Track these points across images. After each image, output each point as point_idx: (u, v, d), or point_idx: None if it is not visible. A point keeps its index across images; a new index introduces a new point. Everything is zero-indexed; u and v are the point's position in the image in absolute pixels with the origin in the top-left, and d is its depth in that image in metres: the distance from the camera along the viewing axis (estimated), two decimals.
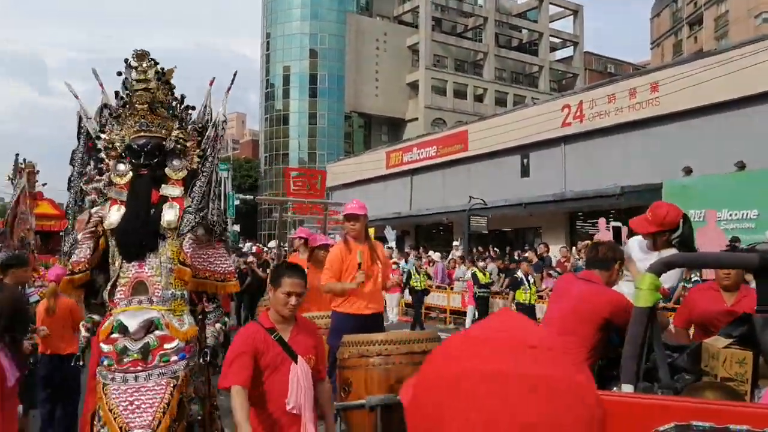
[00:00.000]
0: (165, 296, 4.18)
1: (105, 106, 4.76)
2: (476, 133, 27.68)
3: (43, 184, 10.56)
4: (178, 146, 4.44)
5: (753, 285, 4.96)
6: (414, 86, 57.79)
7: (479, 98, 59.03)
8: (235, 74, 4.63)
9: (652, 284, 3.62)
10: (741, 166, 18.17)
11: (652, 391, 3.47)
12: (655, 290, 3.65)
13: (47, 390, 6.08)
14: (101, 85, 4.74)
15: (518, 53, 63.47)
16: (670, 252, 4.34)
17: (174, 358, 4.07)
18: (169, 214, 4.28)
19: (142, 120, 4.37)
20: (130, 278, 4.18)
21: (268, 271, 19.62)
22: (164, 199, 4.35)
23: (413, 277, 15.41)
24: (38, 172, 9.62)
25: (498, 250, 20.54)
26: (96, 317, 4.44)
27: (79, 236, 4.50)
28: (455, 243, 22.26)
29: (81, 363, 4.47)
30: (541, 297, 14.34)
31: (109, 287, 4.27)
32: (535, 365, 1.30)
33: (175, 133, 4.43)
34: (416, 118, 55.96)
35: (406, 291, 15.99)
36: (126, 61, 4.37)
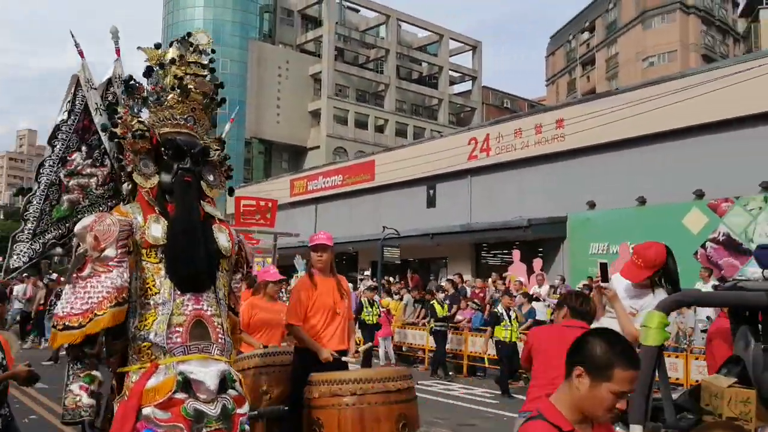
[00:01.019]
0: (227, 344, 3.23)
1: (114, 79, 3.79)
2: (384, 165, 27.61)
3: None
4: (217, 158, 3.76)
5: None
6: (316, 114, 57.57)
7: (380, 129, 59.45)
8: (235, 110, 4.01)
9: (660, 323, 3.41)
10: (642, 201, 18.86)
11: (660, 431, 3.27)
12: (664, 329, 3.44)
13: None
14: (117, 50, 3.74)
15: (418, 86, 64.55)
16: (661, 291, 4.22)
17: (247, 428, 3.15)
18: (221, 239, 3.44)
19: (191, 114, 3.54)
20: (188, 316, 3.15)
21: None
22: (209, 218, 3.49)
23: (365, 309, 14.05)
24: None
25: (421, 280, 20.42)
26: (97, 374, 3.23)
27: (95, 255, 3.09)
28: (367, 273, 21.91)
29: None
30: (457, 329, 14.11)
31: (148, 325, 3.11)
32: None
33: (212, 142, 3.73)
34: (318, 147, 55.66)
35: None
36: (184, 37, 3.58)
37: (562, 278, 16.22)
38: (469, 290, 16.49)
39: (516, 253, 16.68)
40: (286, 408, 4.79)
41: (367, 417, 4.08)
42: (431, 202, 25.70)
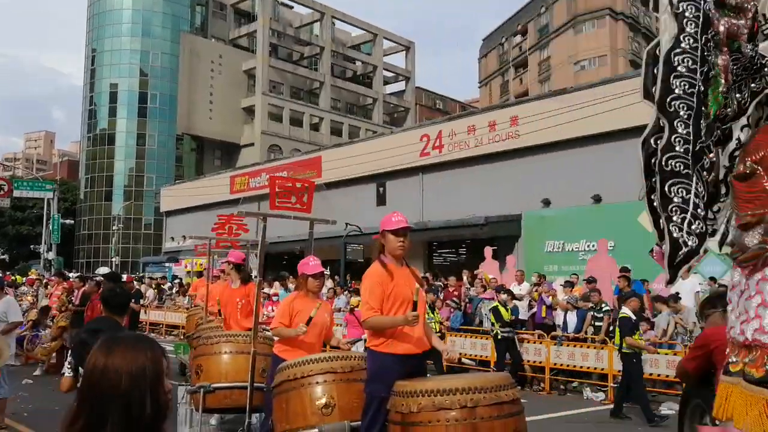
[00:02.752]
0: None
1: None
2: (331, 162, 27.07)
3: None
4: None
5: None
6: (250, 111, 56.34)
7: (315, 127, 58.73)
8: None
9: None
10: (597, 199, 19.03)
11: None
12: None
13: None
14: None
15: (353, 84, 64.12)
16: None
17: None
18: None
19: None
20: None
21: (141, 302, 17.77)
22: None
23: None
24: None
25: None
26: None
27: None
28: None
29: None
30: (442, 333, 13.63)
31: None
32: None
33: None
34: (252, 144, 54.48)
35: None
36: None
37: (539, 276, 16.14)
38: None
39: (488, 251, 16.53)
40: (353, 424, 4.28)
41: None
42: (381, 200, 25.35)
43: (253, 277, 7.68)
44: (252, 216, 6.10)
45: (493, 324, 12.02)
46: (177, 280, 25.12)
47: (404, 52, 67.70)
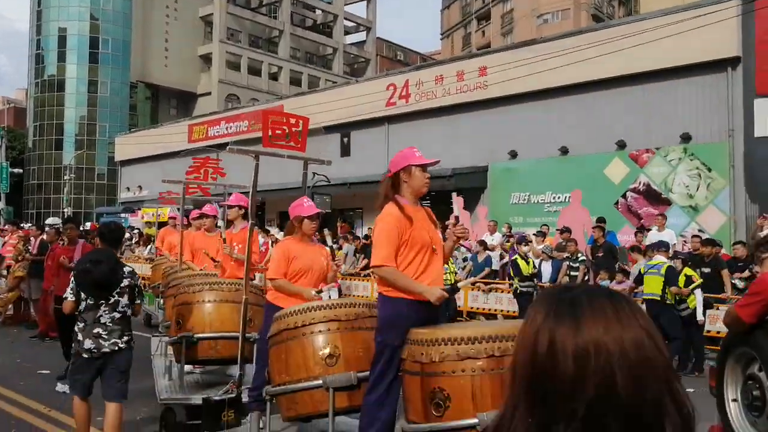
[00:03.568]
0: None
1: None
2: (293, 111, 26.34)
3: None
4: None
5: None
6: (207, 59, 54.77)
7: (274, 76, 57.48)
8: None
9: None
10: (564, 151, 18.97)
11: None
12: None
13: None
14: None
15: (313, 33, 62.74)
16: None
17: None
18: None
19: None
20: None
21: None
22: None
23: None
24: None
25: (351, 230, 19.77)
26: None
27: None
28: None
29: None
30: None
31: None
32: None
33: None
34: (209, 93, 53.13)
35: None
36: None
37: (509, 227, 16.10)
38: None
39: (458, 201, 16.32)
40: (359, 374, 4.02)
41: None
42: (345, 151, 24.92)
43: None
44: (243, 154, 5.72)
45: (512, 278, 11.68)
46: (135, 231, 24.47)
47: (365, 1, 66.36)
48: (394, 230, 3.85)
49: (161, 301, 10.99)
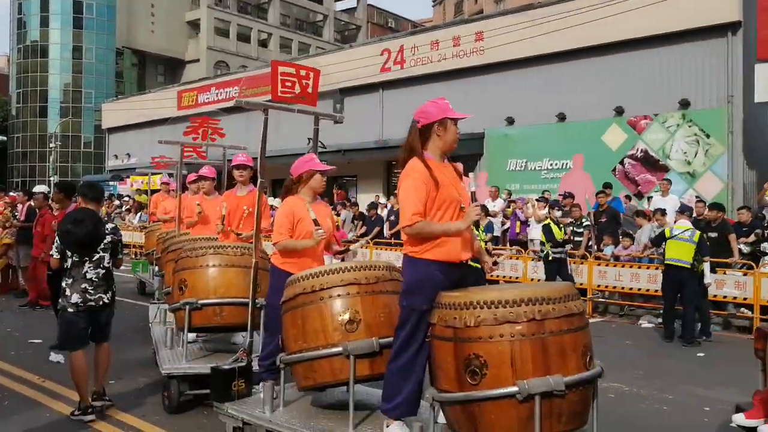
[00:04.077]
0: None
1: None
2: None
3: None
4: None
5: None
6: (195, 25, 53.81)
7: (263, 43, 56.63)
8: None
9: None
10: (562, 117, 18.70)
11: None
12: None
13: None
14: None
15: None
16: None
17: None
18: None
19: None
20: None
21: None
22: None
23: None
24: None
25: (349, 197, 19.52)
26: None
27: None
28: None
29: None
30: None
31: None
32: None
33: None
34: (197, 60, 52.32)
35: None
36: None
37: (509, 193, 15.89)
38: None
39: (457, 166, 16.10)
40: (381, 341, 3.77)
41: (552, 350, 3.04)
42: (339, 118, 24.51)
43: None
44: (252, 107, 5.41)
45: (543, 243, 11.30)
46: (125, 198, 24.08)
47: None
48: (421, 186, 3.58)
49: (156, 268, 10.75)
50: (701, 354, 8.76)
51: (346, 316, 3.79)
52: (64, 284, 5.47)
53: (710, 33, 16.28)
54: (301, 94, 5.71)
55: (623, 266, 11.23)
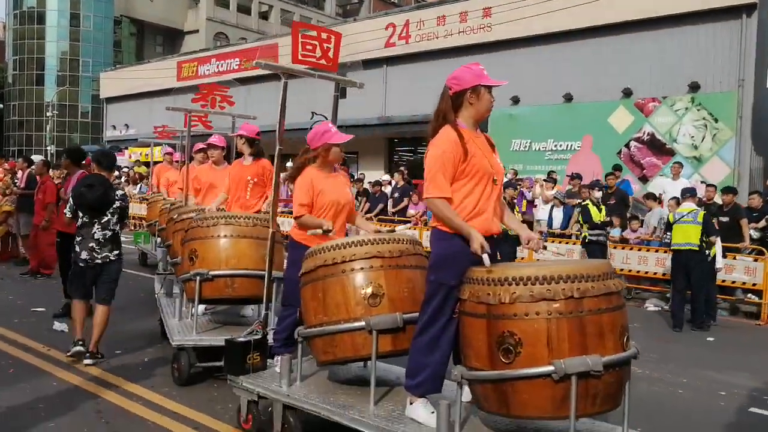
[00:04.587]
0: None
1: None
2: (288, 47, 25.59)
3: None
4: None
5: None
6: None
7: (264, 15, 56.02)
8: None
9: None
10: (569, 98, 18.50)
11: None
12: None
13: None
14: None
15: None
16: None
17: None
18: None
19: None
20: None
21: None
22: None
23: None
24: None
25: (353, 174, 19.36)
26: None
27: None
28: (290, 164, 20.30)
29: None
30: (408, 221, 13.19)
31: None
32: None
33: None
34: (197, 31, 51.72)
35: None
36: None
37: (515, 172, 15.74)
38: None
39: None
40: (405, 316, 3.65)
41: (590, 330, 2.92)
42: (342, 92, 24.07)
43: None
44: (271, 69, 5.21)
45: (580, 225, 10.87)
46: (125, 170, 23.84)
47: None
48: (449, 158, 3.42)
49: (158, 239, 10.60)
50: (711, 338, 8.70)
51: (369, 290, 3.66)
52: (75, 241, 6.04)
53: (724, 14, 16.04)
54: (322, 58, 5.51)
55: (631, 249, 11.13)
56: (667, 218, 9.60)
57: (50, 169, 11.20)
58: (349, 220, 4.74)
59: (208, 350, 5.44)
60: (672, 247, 9.29)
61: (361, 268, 3.71)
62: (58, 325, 7.45)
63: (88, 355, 5.94)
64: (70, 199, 6.07)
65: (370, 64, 23.25)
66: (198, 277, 5.25)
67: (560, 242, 11.56)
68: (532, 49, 19.38)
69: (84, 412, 4.86)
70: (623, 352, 3.03)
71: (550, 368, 2.87)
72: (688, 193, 9.51)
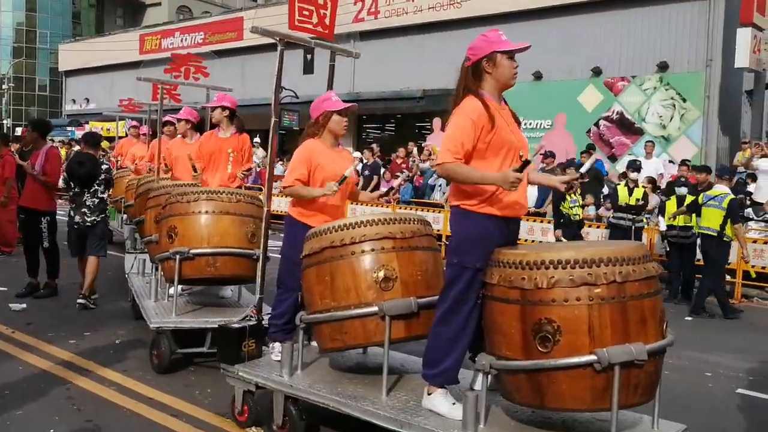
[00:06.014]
0: None
1: None
2: (252, 20, 24.94)
3: None
4: None
5: None
6: None
7: None
8: None
9: None
10: (538, 76, 18.37)
11: None
12: None
13: None
14: None
15: None
16: None
17: None
18: None
19: None
20: None
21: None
22: None
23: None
24: None
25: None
26: None
27: None
28: (257, 140, 19.75)
29: None
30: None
31: None
32: None
33: None
34: (159, 3, 50.23)
35: None
36: None
37: None
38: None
39: (437, 122, 15.64)
40: (420, 300, 3.41)
41: (632, 316, 2.72)
42: (309, 68, 23.67)
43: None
44: (268, 35, 4.85)
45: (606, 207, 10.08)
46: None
47: None
48: (470, 125, 3.14)
49: (124, 216, 10.17)
50: (688, 318, 8.68)
51: (381, 273, 3.40)
52: (69, 207, 7.32)
53: None
54: (318, 25, 5.19)
55: (606, 228, 11.07)
56: (696, 199, 8.99)
57: (8, 144, 10.62)
58: (351, 197, 4.47)
59: (186, 334, 5.13)
60: (699, 230, 8.92)
61: (372, 250, 3.44)
62: (15, 306, 7.06)
63: (81, 295, 7.06)
64: (64, 172, 7.20)
65: (337, 39, 22.67)
66: (178, 256, 4.92)
67: (534, 221, 11.48)
68: (501, 26, 18.79)
69: (54, 397, 4.55)
70: (664, 339, 2.85)
71: (593, 357, 2.66)
72: (725, 174, 9.01)
